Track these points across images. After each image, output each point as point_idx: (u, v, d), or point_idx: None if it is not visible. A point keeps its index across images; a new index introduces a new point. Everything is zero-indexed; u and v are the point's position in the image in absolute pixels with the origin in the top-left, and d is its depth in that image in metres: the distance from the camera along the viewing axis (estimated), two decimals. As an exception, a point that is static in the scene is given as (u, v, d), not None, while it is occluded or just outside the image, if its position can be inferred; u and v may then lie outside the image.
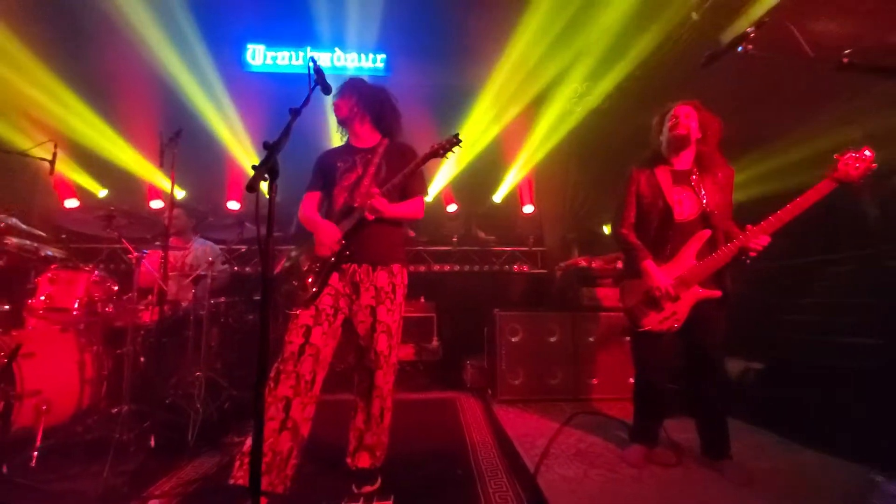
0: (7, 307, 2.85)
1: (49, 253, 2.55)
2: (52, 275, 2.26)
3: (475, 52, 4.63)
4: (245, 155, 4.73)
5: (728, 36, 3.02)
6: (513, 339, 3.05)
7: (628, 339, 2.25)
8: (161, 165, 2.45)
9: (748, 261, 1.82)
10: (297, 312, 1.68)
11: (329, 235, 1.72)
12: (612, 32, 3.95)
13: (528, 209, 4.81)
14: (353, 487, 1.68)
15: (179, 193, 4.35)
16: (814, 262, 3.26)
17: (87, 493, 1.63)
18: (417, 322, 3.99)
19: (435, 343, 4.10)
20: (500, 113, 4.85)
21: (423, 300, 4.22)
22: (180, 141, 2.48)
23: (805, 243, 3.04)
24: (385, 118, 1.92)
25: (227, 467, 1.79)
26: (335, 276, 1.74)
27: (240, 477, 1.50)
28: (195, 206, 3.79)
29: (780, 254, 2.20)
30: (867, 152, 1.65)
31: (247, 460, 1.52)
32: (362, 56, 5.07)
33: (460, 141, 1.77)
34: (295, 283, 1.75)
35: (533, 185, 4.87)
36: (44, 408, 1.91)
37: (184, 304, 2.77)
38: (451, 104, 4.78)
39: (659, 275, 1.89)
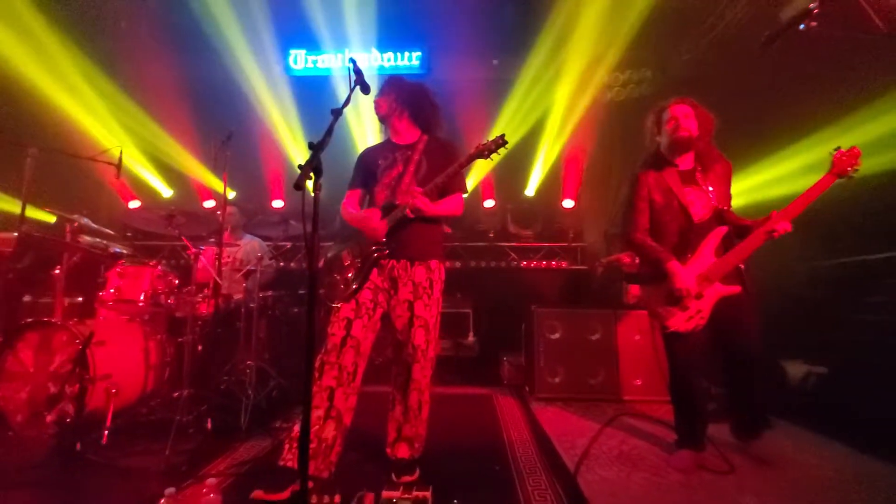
0: (80, 299, 3.17)
1: (117, 249, 2.79)
2: (120, 269, 2.47)
3: (511, 44, 4.57)
4: (287, 156, 4.92)
5: (788, 13, 2.78)
6: (552, 337, 2.99)
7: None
8: (214, 167, 2.61)
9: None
10: (339, 306, 1.74)
11: (377, 221, 1.76)
12: (657, 15, 3.76)
13: (569, 204, 4.68)
14: (393, 476, 1.72)
15: (230, 193, 4.62)
16: (881, 258, 2.96)
17: (151, 470, 1.78)
18: (453, 318, 4.02)
19: (471, 339, 4.11)
20: (538, 105, 4.76)
21: (458, 296, 4.23)
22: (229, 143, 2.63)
23: (870, 239, 2.77)
24: (424, 114, 1.93)
25: (277, 450, 1.89)
26: (374, 271, 1.78)
27: (289, 459, 1.58)
28: (244, 205, 3.99)
29: (842, 250, 2.04)
30: (856, 149, 1.74)
31: (295, 444, 1.60)
32: (398, 55, 5.14)
33: (506, 142, 1.76)
34: (336, 276, 1.81)
35: (573, 179, 4.73)
36: (113, 391, 2.10)
37: (235, 297, 2.94)
38: (487, 98, 4.75)
39: (684, 275, 1.86)
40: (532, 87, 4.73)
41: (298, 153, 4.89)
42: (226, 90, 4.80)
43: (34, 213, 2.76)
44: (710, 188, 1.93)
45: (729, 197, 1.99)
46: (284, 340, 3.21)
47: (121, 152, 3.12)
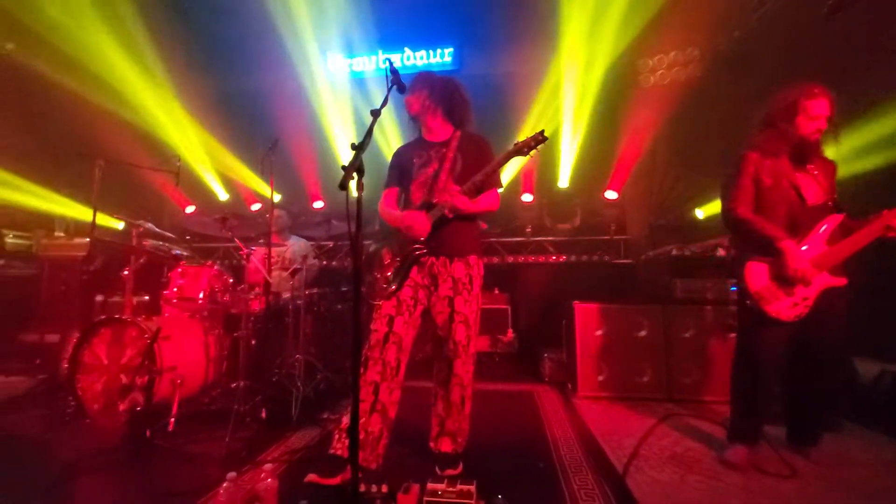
0: (147, 297, 3.44)
1: (178, 252, 3.01)
2: (181, 270, 2.66)
3: (544, 33, 4.46)
4: (326, 158, 5.07)
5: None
6: (595, 333, 2.90)
7: (732, 335, 2.05)
8: (261, 172, 2.75)
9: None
10: (381, 303, 1.78)
11: (419, 220, 1.75)
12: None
13: (611, 195, 4.50)
14: (437, 469, 1.75)
15: (276, 197, 4.87)
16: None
17: (213, 455, 1.91)
18: (491, 314, 3.99)
19: (510, 335, 4.07)
20: (573, 94, 4.61)
21: (497, 292, 4.21)
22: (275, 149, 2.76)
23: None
24: (456, 109, 1.92)
25: (326, 440, 1.97)
26: (414, 268, 1.80)
27: (339, 448, 1.64)
28: (289, 207, 4.17)
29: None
30: None
31: (344, 435, 1.66)
32: (430, 52, 5.17)
33: (546, 138, 1.71)
34: (377, 274, 1.85)
35: (616, 170, 4.54)
36: (178, 382, 2.27)
37: (284, 295, 3.09)
38: (520, 90, 4.67)
39: (801, 256, 1.74)
40: (566, 76, 4.59)
41: (337, 155, 5.04)
42: (267, 98, 5.04)
43: (104, 220, 3.04)
44: (822, 180, 1.86)
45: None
46: (329, 336, 3.33)
47: (178, 162, 3.38)
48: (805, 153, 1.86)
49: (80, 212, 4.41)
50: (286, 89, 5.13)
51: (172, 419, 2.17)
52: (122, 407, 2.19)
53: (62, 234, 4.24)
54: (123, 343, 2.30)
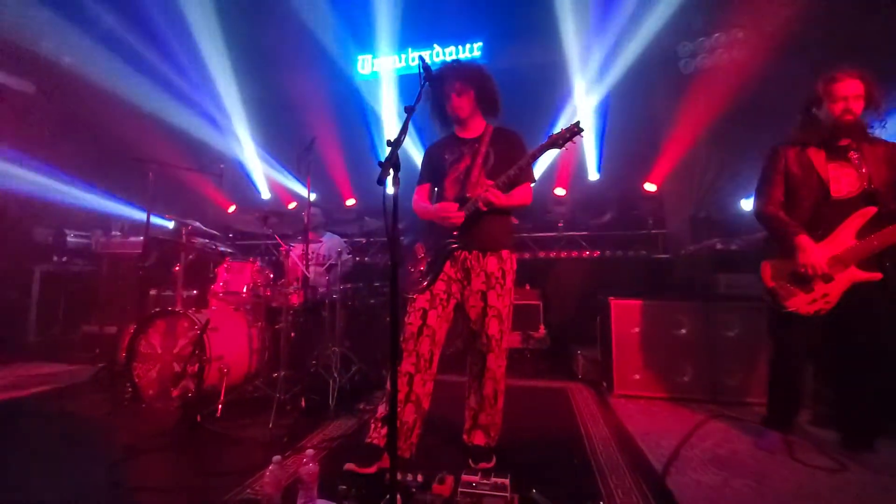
0: (195, 292, 3.65)
1: (223, 248, 3.18)
2: (227, 265, 2.81)
3: (574, 21, 4.35)
4: (359, 156, 5.17)
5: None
6: (631, 331, 2.81)
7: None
8: (297, 171, 2.85)
9: None
10: (415, 297, 1.81)
11: (450, 211, 1.77)
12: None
13: (650, 187, 4.32)
14: (470, 462, 1.76)
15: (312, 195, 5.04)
16: None
17: (258, 440, 2.02)
18: (523, 309, 3.95)
19: (542, 331, 4.02)
20: (607, 83, 4.48)
21: (528, 287, 4.16)
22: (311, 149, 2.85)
23: None
24: (493, 106, 1.91)
25: (362, 429, 2.04)
26: (447, 263, 1.81)
27: (375, 438, 1.69)
28: (324, 205, 4.30)
29: None
30: None
31: (380, 424, 1.71)
32: (459, 47, 5.17)
33: (582, 130, 1.68)
34: (410, 268, 1.88)
35: (654, 162, 4.36)
36: (225, 370, 2.41)
37: (320, 289, 3.19)
38: (552, 81, 4.58)
39: (814, 251, 1.72)
40: (599, 64, 4.47)
41: (370, 153, 5.14)
42: (300, 101, 5.22)
43: (156, 220, 3.24)
44: (866, 168, 1.76)
45: (892, 183, 1.76)
46: (363, 329, 3.41)
47: (222, 165, 3.56)
48: (839, 138, 1.80)
49: (135, 212, 4.74)
50: (318, 91, 5.29)
51: (220, 405, 2.30)
52: (174, 393, 2.35)
53: (118, 233, 4.56)
54: (176, 334, 2.46)
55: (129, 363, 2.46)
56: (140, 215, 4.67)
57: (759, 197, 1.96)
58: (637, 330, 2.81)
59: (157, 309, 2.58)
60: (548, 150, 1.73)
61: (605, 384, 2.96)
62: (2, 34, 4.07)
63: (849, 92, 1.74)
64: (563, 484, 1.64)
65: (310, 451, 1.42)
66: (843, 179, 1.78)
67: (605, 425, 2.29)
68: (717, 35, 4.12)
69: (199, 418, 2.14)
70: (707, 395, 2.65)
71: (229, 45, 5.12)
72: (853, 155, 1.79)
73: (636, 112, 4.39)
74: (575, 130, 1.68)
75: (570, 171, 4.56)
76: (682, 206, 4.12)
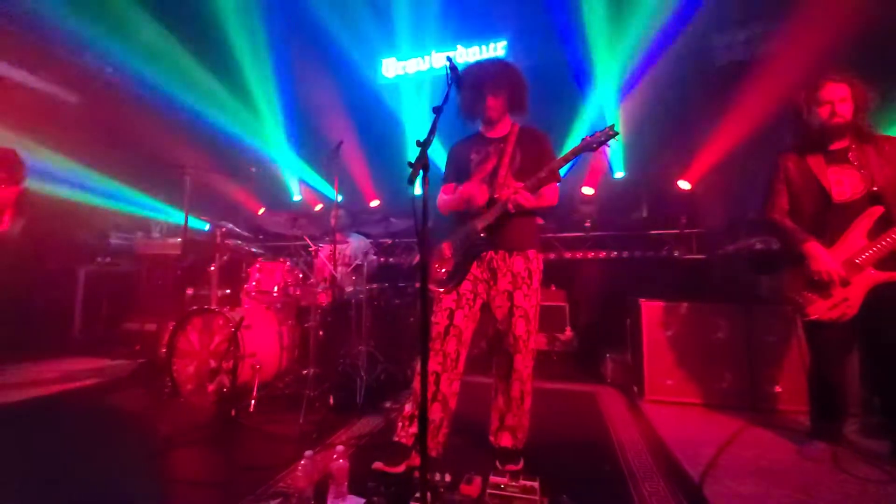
0: (228, 291, 3.78)
1: (255, 249, 3.28)
2: (259, 266, 2.90)
3: (599, 15, 4.26)
4: (383, 158, 5.23)
5: None
6: (664, 334, 2.71)
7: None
8: (325, 173, 2.92)
9: None
10: (442, 298, 1.80)
11: (477, 189, 1.76)
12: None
13: (684, 185, 4.14)
14: (497, 464, 1.74)
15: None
16: None
17: (289, 435, 2.07)
18: (549, 311, 3.89)
19: (568, 333, 3.95)
20: (634, 79, 4.36)
21: (553, 288, 4.10)
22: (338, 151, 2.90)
23: None
24: (522, 107, 1.89)
25: (388, 428, 2.07)
26: (474, 262, 1.81)
27: (402, 436, 1.70)
28: (350, 206, 4.37)
29: None
30: None
31: (407, 423, 1.72)
32: (483, 47, 5.15)
33: (617, 133, 1.63)
34: (436, 265, 1.88)
35: (689, 159, 4.18)
36: (257, 367, 2.48)
37: (346, 289, 3.25)
38: (576, 78, 4.51)
39: (824, 257, 1.73)
40: (627, 59, 4.35)
41: (393, 154, 5.19)
42: (326, 105, 5.33)
43: (193, 222, 3.38)
44: (868, 168, 1.77)
45: None
46: (388, 329, 3.44)
47: (252, 169, 3.68)
48: (831, 141, 1.83)
49: (173, 215, 4.96)
50: (343, 95, 5.40)
51: (253, 401, 2.37)
52: (210, 388, 2.44)
53: (158, 235, 4.79)
54: (212, 331, 2.56)
55: (169, 359, 2.58)
56: (177, 218, 4.91)
57: (764, 204, 2.00)
58: (670, 333, 2.71)
59: (195, 307, 2.69)
60: (581, 153, 1.69)
61: (635, 388, 2.88)
62: (47, 47, 4.36)
63: (834, 96, 1.77)
64: (594, 489, 1.60)
65: (339, 448, 1.44)
66: (845, 182, 1.78)
67: (637, 431, 2.23)
68: (753, 26, 3.94)
69: (233, 413, 2.20)
70: (746, 403, 2.53)
71: (259, 53, 5.30)
72: (853, 156, 1.79)
73: (667, 108, 4.25)
74: (610, 134, 1.64)
75: (599, 169, 4.46)
76: (717, 205, 3.93)
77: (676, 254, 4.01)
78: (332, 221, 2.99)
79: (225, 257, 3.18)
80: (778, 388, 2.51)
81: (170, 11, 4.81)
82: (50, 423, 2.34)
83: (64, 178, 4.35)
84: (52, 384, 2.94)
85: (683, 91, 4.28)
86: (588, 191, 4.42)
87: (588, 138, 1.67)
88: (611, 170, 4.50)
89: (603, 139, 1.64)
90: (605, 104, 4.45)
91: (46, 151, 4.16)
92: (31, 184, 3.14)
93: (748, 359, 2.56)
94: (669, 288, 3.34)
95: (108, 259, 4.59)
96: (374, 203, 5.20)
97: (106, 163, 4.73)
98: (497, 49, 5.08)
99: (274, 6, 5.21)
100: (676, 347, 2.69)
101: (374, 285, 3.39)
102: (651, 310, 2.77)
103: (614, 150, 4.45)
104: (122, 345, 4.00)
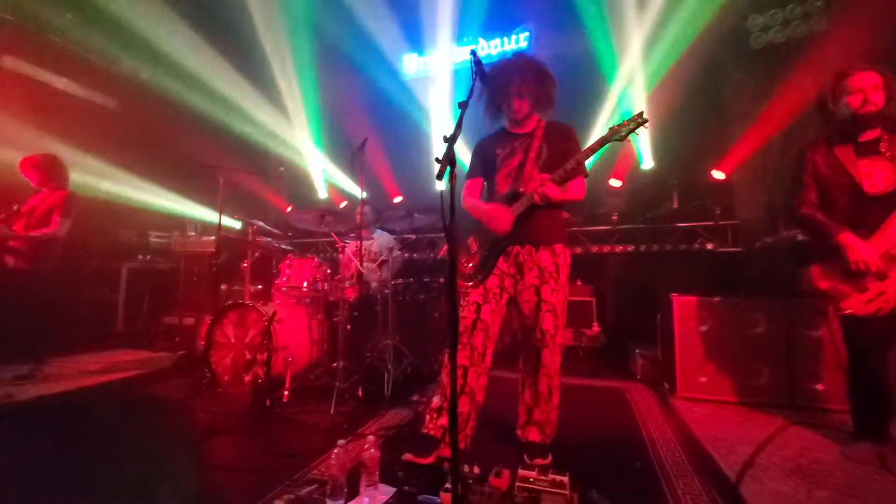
0: (260, 287, 3.91)
1: (285, 246, 3.38)
2: (289, 262, 2.98)
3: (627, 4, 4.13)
4: (404, 154, 5.26)
5: None
6: (698, 329, 2.63)
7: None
8: (350, 170, 2.96)
9: None
10: (469, 291, 1.81)
11: (502, 213, 1.77)
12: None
13: (719, 175, 3.95)
14: (525, 458, 1.75)
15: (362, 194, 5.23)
16: None
17: (321, 425, 2.14)
18: (575, 306, 3.84)
19: (595, 329, 3.89)
20: (665, 64, 4.20)
21: (579, 283, 4.04)
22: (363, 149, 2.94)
23: None
24: (549, 103, 1.86)
25: (416, 420, 2.11)
26: (500, 258, 1.81)
27: (431, 428, 1.73)
28: (374, 203, 4.43)
29: None
30: None
31: (436, 415, 1.74)
32: (505, 39, 5.09)
33: (646, 121, 1.59)
34: (463, 261, 1.89)
35: (724, 147, 3.99)
36: (289, 359, 2.57)
37: (372, 284, 3.30)
38: (603, 67, 4.38)
39: (861, 246, 1.65)
40: (656, 45, 4.20)
41: (415, 150, 5.21)
42: (349, 103, 5.40)
43: (226, 221, 3.51)
44: None
45: None
46: (413, 323, 3.49)
47: (281, 168, 3.78)
48: (862, 130, 1.75)
49: (206, 214, 5.17)
50: (366, 93, 5.46)
51: (286, 392, 2.46)
52: (246, 379, 2.54)
53: (193, 234, 5.00)
54: (247, 324, 2.66)
55: (208, 351, 2.70)
56: (210, 216, 5.11)
57: (792, 199, 1.93)
58: (704, 328, 2.62)
59: (230, 302, 2.80)
60: (608, 142, 1.65)
61: (666, 385, 2.81)
62: (87, 55, 4.60)
63: (865, 83, 1.71)
64: (625, 486, 1.58)
65: (371, 438, 1.48)
66: (877, 174, 1.72)
67: (669, 428, 2.17)
68: (791, 6, 3.73)
69: (267, 403, 2.29)
70: (785, 401, 2.43)
71: (285, 55, 5.43)
72: (884, 147, 1.72)
73: (699, 94, 4.08)
74: (639, 121, 1.60)
75: (627, 161, 4.33)
76: (755, 195, 3.74)
77: (710, 246, 3.86)
78: (358, 218, 3.04)
79: (256, 254, 3.30)
80: (820, 386, 2.39)
81: (201, 17, 4.98)
82: (98, 410, 2.51)
83: (106, 181, 4.60)
84: (98, 374, 3.13)
85: (717, 76, 4.10)
86: (615, 183, 4.32)
87: (615, 127, 1.63)
88: (639, 160, 4.38)
89: (633, 127, 1.60)
90: (633, 93, 4.31)
91: (89, 156, 4.39)
92: (77, 187, 3.34)
93: (788, 355, 2.46)
94: (702, 282, 3.23)
95: (148, 257, 4.83)
96: (398, 199, 5.26)
97: (144, 165, 4.97)
98: (520, 40, 5.01)
99: (299, 10, 5.31)
100: (710, 343, 2.60)
101: (399, 280, 3.44)
102: (683, 305, 2.68)
103: (643, 140, 4.32)
104: (162, 338, 4.22)
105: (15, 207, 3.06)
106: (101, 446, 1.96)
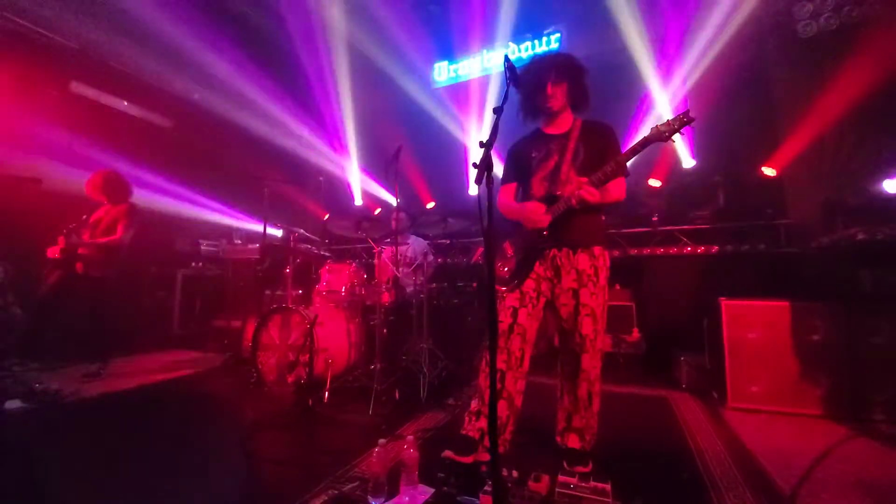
0: (300, 291, 4.08)
1: (324, 252, 3.51)
2: (328, 267, 3.10)
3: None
4: (436, 160, 5.33)
5: None
6: (748, 335, 2.49)
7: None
8: (385, 178, 3.05)
9: None
10: (505, 295, 1.82)
11: (537, 213, 1.76)
12: None
13: (769, 172, 3.70)
14: (565, 464, 1.72)
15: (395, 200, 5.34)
16: None
17: (360, 424, 2.21)
18: (614, 311, 3.72)
19: (636, 335, 3.76)
20: (706, 57, 4.03)
21: (618, 287, 3.92)
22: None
23: None
24: (583, 100, 1.84)
25: (452, 423, 2.14)
26: (537, 261, 1.80)
27: (469, 430, 1.74)
28: (409, 209, 4.52)
29: None
30: None
31: (474, 418, 1.75)
32: (536, 42, 5.07)
33: (692, 119, 1.51)
34: (499, 265, 1.90)
35: (775, 142, 3.75)
36: (330, 361, 2.66)
37: (407, 289, 3.37)
38: (639, 65, 4.26)
39: None
40: (696, 36, 4.04)
41: (447, 156, 5.27)
42: (384, 112, 5.54)
43: (270, 230, 3.69)
44: None
45: None
46: (448, 328, 3.51)
47: (321, 178, 3.94)
48: None
49: (251, 223, 5.46)
50: (399, 102, 5.58)
51: (327, 392, 2.55)
52: (290, 379, 2.66)
53: (239, 241, 5.29)
54: (290, 327, 2.79)
55: (254, 352, 2.85)
56: (253, 225, 5.39)
57: None
58: (755, 335, 2.48)
59: (274, 306, 2.95)
60: (651, 143, 1.59)
61: (715, 395, 2.68)
62: (143, 77, 5.00)
63: None
64: (671, 497, 1.53)
65: (410, 438, 1.51)
66: None
67: (718, 439, 2.07)
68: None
69: (310, 402, 2.39)
70: (847, 412, 2.26)
71: (322, 71, 5.67)
72: None
73: (744, 87, 3.89)
74: (685, 120, 1.51)
75: (667, 160, 4.18)
76: (809, 192, 3.48)
77: (762, 247, 3.63)
78: (393, 224, 3.12)
79: (298, 260, 3.45)
80: (885, 396, 2.20)
81: (246, 38, 5.30)
82: (157, 406, 2.70)
83: (162, 194, 4.97)
84: (157, 373, 3.37)
85: (764, 69, 3.89)
86: (655, 183, 4.17)
87: (660, 126, 1.56)
88: (680, 159, 4.21)
89: (677, 126, 1.52)
90: (672, 89, 4.17)
91: (148, 171, 4.76)
92: (136, 199, 3.63)
93: (850, 364, 2.28)
94: (753, 285, 3.05)
95: (200, 263, 5.16)
96: (430, 205, 5.33)
97: (195, 178, 5.33)
98: (551, 42, 4.98)
99: (335, 26, 5.53)
100: (763, 350, 2.46)
101: (433, 285, 3.48)
102: (733, 310, 2.55)
103: (684, 137, 4.16)
104: (212, 339, 4.48)
105: (84, 218, 3.38)
106: (161, 437, 2.12)
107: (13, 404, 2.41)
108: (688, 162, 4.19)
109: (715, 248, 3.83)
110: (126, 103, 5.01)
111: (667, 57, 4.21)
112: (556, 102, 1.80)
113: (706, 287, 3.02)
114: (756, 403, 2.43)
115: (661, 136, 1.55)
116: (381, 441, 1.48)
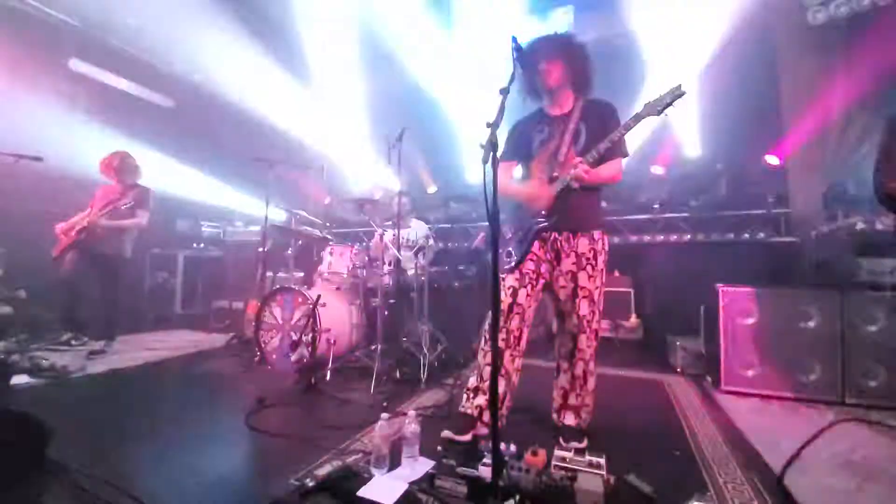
0: (302, 273, 4.11)
1: (326, 235, 3.53)
2: (330, 249, 3.13)
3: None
4: (437, 144, 5.28)
5: None
6: (745, 322, 2.53)
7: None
8: (388, 161, 3.04)
9: None
10: (504, 276, 1.84)
11: (538, 194, 1.76)
12: None
13: (772, 160, 3.70)
14: (561, 440, 1.76)
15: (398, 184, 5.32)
16: None
17: (362, 403, 2.26)
18: (613, 297, 3.78)
19: (633, 320, 3.81)
20: (713, 44, 3.98)
21: (617, 274, 3.96)
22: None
23: None
24: (583, 79, 1.83)
25: (451, 402, 2.19)
26: (536, 243, 1.81)
27: (468, 407, 1.79)
28: (410, 192, 4.52)
29: None
30: None
31: (472, 395, 1.80)
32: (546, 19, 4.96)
33: (684, 93, 1.52)
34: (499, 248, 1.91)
35: (779, 131, 3.74)
36: (332, 341, 2.71)
37: (408, 272, 3.40)
38: (647, 47, 4.21)
39: None
40: (703, 23, 3.99)
41: (448, 140, 5.22)
42: (382, 96, 5.47)
43: (273, 212, 3.69)
44: None
45: None
46: (448, 310, 3.56)
47: (323, 164, 3.95)
48: None
49: (253, 205, 5.45)
50: (401, 85, 5.51)
51: (329, 371, 2.60)
52: (293, 358, 2.71)
53: (241, 223, 5.30)
54: (293, 308, 2.83)
55: (257, 332, 2.89)
56: (254, 209, 5.39)
57: (882, 174, 1.77)
58: (751, 321, 2.52)
59: (277, 287, 2.98)
60: (644, 118, 1.60)
61: (709, 379, 2.74)
62: (145, 57, 4.94)
63: None
64: (665, 472, 1.57)
65: (411, 413, 1.56)
66: None
67: (711, 421, 2.12)
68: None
69: (312, 380, 2.44)
70: (838, 397, 2.31)
71: (326, 53, 5.59)
72: None
73: (750, 75, 3.85)
74: (677, 93, 1.52)
75: (670, 147, 4.16)
76: (811, 181, 3.48)
77: (762, 236, 3.65)
78: (396, 207, 3.13)
79: (300, 242, 3.47)
80: (876, 383, 2.25)
81: (248, 17, 5.20)
82: (162, 382, 2.75)
83: (164, 175, 4.95)
84: (160, 351, 3.42)
85: (771, 57, 3.84)
86: (657, 170, 4.16)
87: (651, 102, 1.57)
88: (683, 147, 4.20)
89: (669, 100, 1.53)
90: (681, 75, 4.13)
91: (149, 151, 4.74)
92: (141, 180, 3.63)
93: (842, 350, 2.33)
94: (751, 273, 3.08)
95: (201, 245, 5.18)
96: (432, 189, 5.32)
97: (197, 159, 5.31)
98: (561, 21, 4.89)
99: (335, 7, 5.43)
100: (758, 336, 2.50)
101: (434, 268, 3.51)
102: (730, 296, 2.59)
103: (689, 126, 4.14)
104: (214, 320, 4.53)
105: (94, 194, 3.39)
106: (168, 412, 2.17)
107: (20, 380, 2.45)
108: (692, 150, 4.17)
109: (715, 236, 3.85)
110: (127, 82, 4.97)
111: (675, 42, 4.14)
112: (551, 79, 1.79)
113: (705, 275, 3.04)
114: (749, 387, 2.49)
115: (654, 109, 1.56)
116: (384, 416, 1.52)
